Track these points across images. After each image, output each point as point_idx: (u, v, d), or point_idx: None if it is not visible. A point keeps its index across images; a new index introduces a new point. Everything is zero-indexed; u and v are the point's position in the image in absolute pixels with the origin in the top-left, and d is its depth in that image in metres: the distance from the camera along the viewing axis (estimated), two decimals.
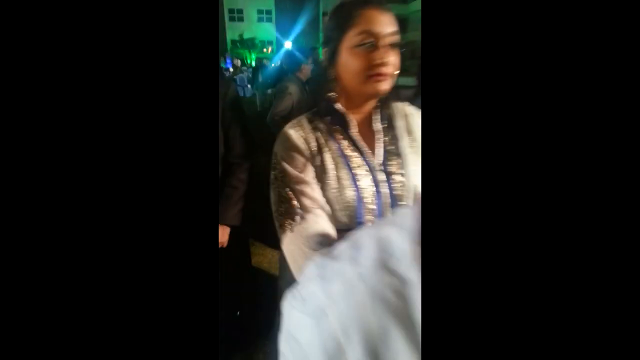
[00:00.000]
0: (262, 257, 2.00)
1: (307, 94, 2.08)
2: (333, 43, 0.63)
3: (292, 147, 0.64)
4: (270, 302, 0.85)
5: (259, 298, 1.39)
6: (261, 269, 1.93)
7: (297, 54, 2.24)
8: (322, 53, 0.67)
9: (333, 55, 0.64)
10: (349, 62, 0.60)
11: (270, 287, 1.01)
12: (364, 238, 0.35)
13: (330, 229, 0.60)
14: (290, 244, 0.60)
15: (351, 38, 0.59)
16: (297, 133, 0.66)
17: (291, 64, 2.19)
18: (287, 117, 2.07)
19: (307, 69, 2.13)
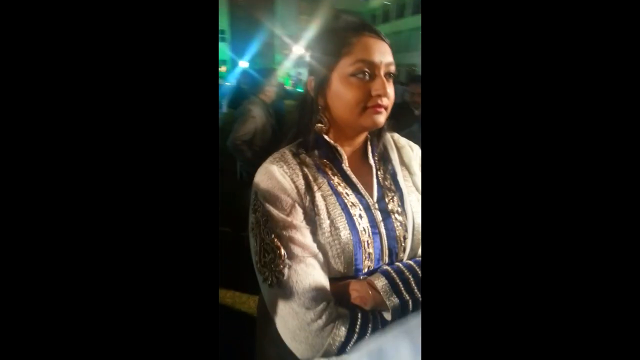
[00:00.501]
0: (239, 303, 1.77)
1: (272, 118, 1.96)
2: (323, 70, 0.57)
3: (276, 186, 0.55)
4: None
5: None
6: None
7: (256, 74, 2.13)
8: (307, 81, 0.60)
9: (322, 84, 0.57)
10: (342, 91, 0.55)
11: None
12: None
13: (324, 281, 0.53)
14: (279, 302, 0.51)
15: (345, 67, 0.54)
16: (281, 169, 0.56)
17: (252, 85, 2.06)
18: (249, 142, 1.95)
19: (271, 91, 2.04)
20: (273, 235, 0.53)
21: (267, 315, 0.55)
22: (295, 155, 0.59)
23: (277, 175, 0.56)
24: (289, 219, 0.53)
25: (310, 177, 0.57)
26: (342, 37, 0.54)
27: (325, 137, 0.59)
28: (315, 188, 0.56)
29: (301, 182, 0.56)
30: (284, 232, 0.52)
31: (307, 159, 0.59)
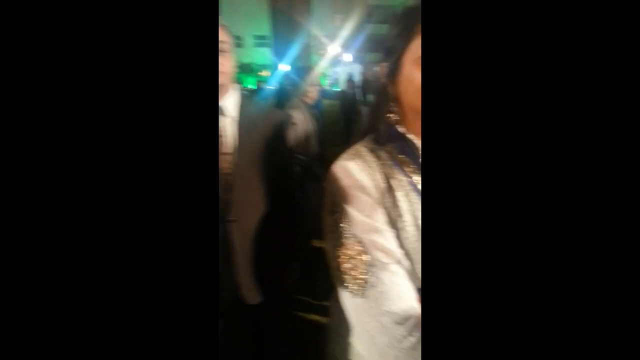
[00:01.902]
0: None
1: (315, 121, 1.95)
2: (395, 55, 0.52)
3: (355, 185, 0.50)
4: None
5: None
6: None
7: (297, 75, 2.20)
8: (379, 68, 0.56)
9: (394, 69, 0.52)
10: (414, 75, 0.49)
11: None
12: None
13: (412, 291, 0.47)
14: (363, 313, 0.46)
15: (417, 48, 0.48)
16: (358, 166, 0.52)
17: (294, 86, 2.13)
18: (296, 149, 1.90)
19: (312, 92, 2.05)
20: (354, 240, 0.48)
21: (343, 327, 0.52)
22: (371, 151, 0.54)
23: (355, 172, 0.51)
24: (371, 220, 0.48)
25: (389, 175, 0.52)
26: (414, 15, 0.50)
27: (400, 129, 0.54)
28: (396, 186, 0.51)
29: (380, 180, 0.51)
30: (366, 236, 0.48)
31: (383, 155, 0.54)
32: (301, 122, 1.84)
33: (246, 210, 0.99)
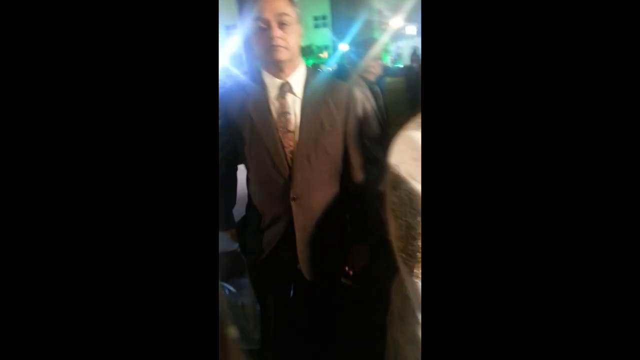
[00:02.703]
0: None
1: (377, 97, 1.83)
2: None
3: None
4: None
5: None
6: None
7: (357, 52, 2.11)
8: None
9: None
10: None
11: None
12: None
13: None
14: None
15: None
16: None
17: (354, 63, 2.05)
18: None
19: (375, 66, 1.89)
20: (420, 218, 0.44)
21: (407, 311, 0.51)
22: None
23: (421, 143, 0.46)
24: None
25: None
26: None
27: None
28: None
29: None
30: None
31: None
32: (360, 100, 1.77)
33: (308, 188, 1.00)
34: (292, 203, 1.00)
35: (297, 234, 1.03)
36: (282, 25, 0.89)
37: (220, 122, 1.06)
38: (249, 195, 1.09)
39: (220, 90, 0.99)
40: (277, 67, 0.95)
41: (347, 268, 1.13)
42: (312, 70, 1.03)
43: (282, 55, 0.91)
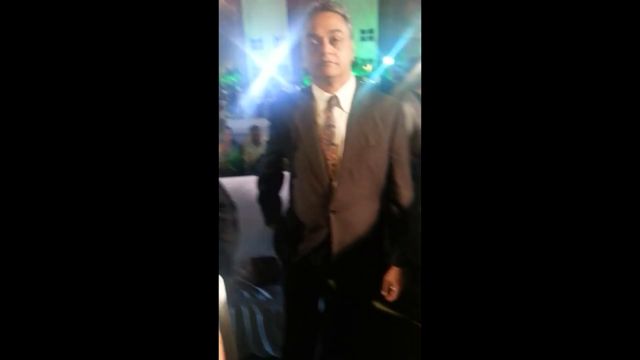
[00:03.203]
0: None
1: None
2: None
3: None
4: None
5: None
6: None
7: (404, 67, 2.07)
8: None
9: None
10: None
11: None
12: None
13: None
14: None
15: None
16: None
17: (401, 78, 2.02)
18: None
19: None
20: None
21: None
22: None
23: None
24: None
25: None
26: None
27: None
28: None
29: None
30: None
31: None
32: (410, 115, 1.69)
33: (348, 203, 0.98)
34: (331, 215, 0.99)
35: (333, 247, 1.01)
36: (334, 41, 0.89)
37: (268, 130, 1.07)
38: (290, 201, 1.10)
39: (268, 100, 1.01)
40: (327, 82, 0.95)
41: (382, 291, 1.09)
42: (361, 84, 1.02)
43: (332, 70, 0.91)
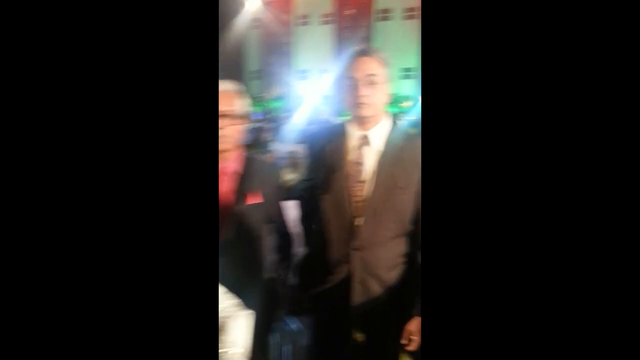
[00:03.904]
0: None
1: None
2: None
3: None
4: None
5: None
6: None
7: None
8: None
9: None
10: None
11: None
12: None
13: None
14: None
15: None
16: None
17: None
18: None
19: None
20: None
21: None
22: None
23: None
24: None
25: None
26: None
27: None
28: None
29: None
30: None
31: None
32: None
33: (370, 242, 0.96)
34: (353, 252, 0.97)
35: (354, 286, 0.98)
36: (369, 84, 0.92)
37: (306, 157, 1.11)
38: (316, 231, 1.09)
39: (309, 127, 1.05)
40: (360, 121, 0.97)
41: (402, 340, 1.03)
42: (397, 125, 1.02)
43: (365, 112, 0.94)
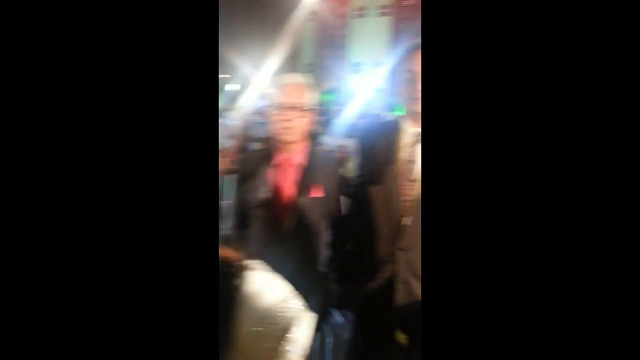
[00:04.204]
0: None
1: None
2: None
3: None
4: None
5: None
6: None
7: None
8: None
9: None
10: None
11: None
12: None
13: None
14: None
15: None
16: None
17: None
18: None
19: None
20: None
21: None
22: None
23: None
24: None
25: None
26: None
27: None
28: None
29: None
30: None
31: None
32: None
33: (418, 244, 0.92)
34: (399, 253, 0.94)
35: (397, 287, 0.95)
36: None
37: (357, 152, 1.09)
38: (363, 228, 1.08)
39: (361, 121, 1.03)
40: (415, 117, 0.93)
41: None
42: None
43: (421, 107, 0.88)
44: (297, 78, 1.07)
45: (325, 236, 1.11)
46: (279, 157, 1.08)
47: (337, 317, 1.72)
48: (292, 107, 1.00)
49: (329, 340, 1.58)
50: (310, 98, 1.05)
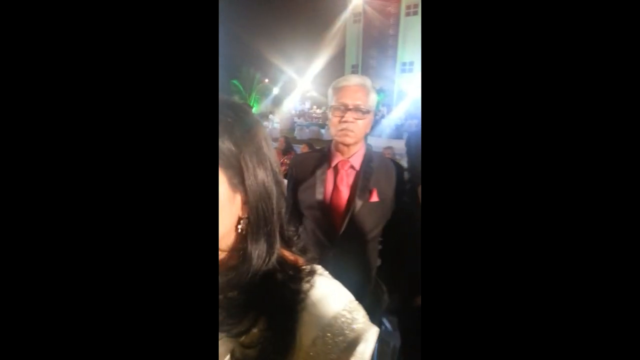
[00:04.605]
0: None
1: None
2: None
3: None
4: None
5: None
6: None
7: None
8: None
9: None
10: None
11: None
12: None
13: None
14: None
15: None
16: None
17: None
18: None
19: None
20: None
21: None
22: None
23: None
24: None
25: None
26: None
27: None
28: None
29: None
30: None
31: None
32: None
33: None
34: None
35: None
36: None
37: (406, 156, 1.05)
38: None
39: (409, 122, 0.98)
40: None
41: None
42: None
43: None
44: (358, 80, 1.04)
45: (380, 242, 1.08)
46: (336, 160, 1.07)
47: (386, 323, 1.68)
48: (353, 109, 0.98)
49: (376, 345, 1.55)
50: (370, 100, 1.02)
